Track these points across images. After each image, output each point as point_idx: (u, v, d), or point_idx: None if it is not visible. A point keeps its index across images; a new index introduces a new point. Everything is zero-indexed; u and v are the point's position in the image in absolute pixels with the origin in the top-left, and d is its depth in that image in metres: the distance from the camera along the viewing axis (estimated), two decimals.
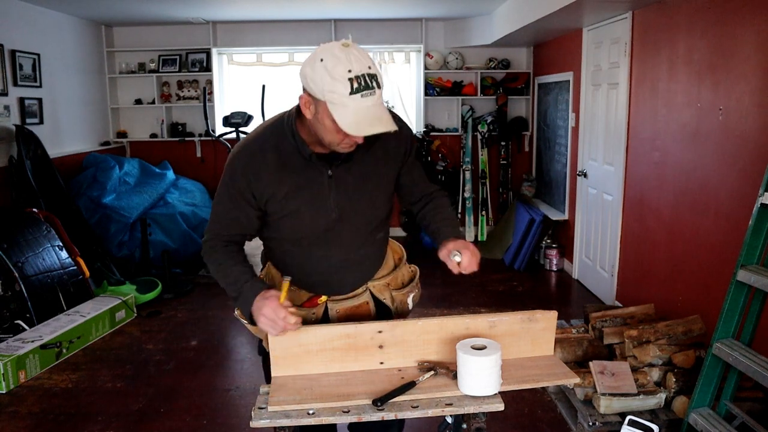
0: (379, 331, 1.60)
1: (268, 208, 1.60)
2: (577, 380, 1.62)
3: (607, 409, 2.59)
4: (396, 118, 1.58)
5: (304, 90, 1.44)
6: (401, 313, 1.84)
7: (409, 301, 1.86)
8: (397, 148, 1.65)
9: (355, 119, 1.36)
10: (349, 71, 1.34)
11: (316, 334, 1.58)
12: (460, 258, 1.57)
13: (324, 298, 1.75)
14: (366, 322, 1.63)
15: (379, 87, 1.38)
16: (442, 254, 1.60)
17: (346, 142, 1.46)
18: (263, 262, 1.84)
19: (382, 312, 1.82)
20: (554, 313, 1.69)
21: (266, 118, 1.84)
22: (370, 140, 1.50)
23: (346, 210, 1.61)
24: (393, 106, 6.53)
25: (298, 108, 1.53)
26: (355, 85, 1.34)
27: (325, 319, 1.76)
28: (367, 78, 1.35)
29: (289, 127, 1.54)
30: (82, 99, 5.67)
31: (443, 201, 1.78)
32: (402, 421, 2.03)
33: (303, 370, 1.59)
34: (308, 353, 1.58)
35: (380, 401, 1.45)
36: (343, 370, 1.60)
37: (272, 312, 1.48)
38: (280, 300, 1.52)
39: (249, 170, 1.54)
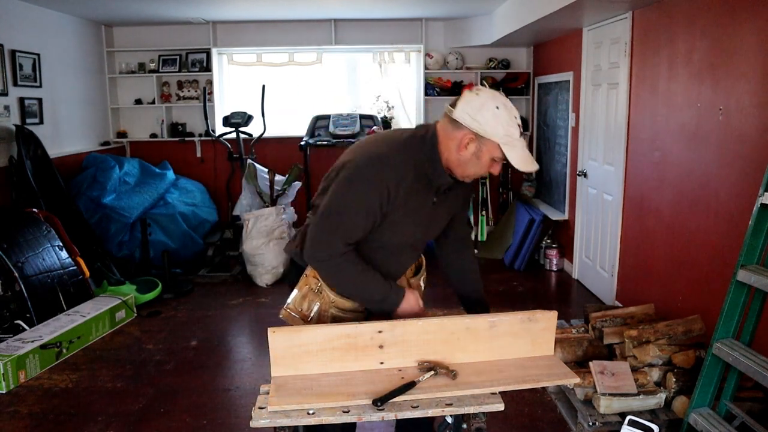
0: (379, 331, 1.60)
1: (385, 219, 1.69)
2: (577, 380, 1.62)
3: (607, 409, 2.59)
4: None
5: (460, 128, 1.60)
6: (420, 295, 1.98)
7: (421, 283, 2.02)
8: (471, 187, 1.90)
9: (522, 157, 1.62)
10: (516, 117, 1.60)
11: (316, 334, 1.58)
12: None
13: None
14: (366, 322, 1.63)
15: None
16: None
17: (479, 175, 1.71)
18: None
19: None
20: (554, 313, 1.69)
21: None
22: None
23: (428, 231, 1.83)
24: (393, 106, 6.54)
25: (435, 138, 1.66)
26: (521, 129, 1.62)
27: (367, 313, 1.85)
28: (522, 121, 1.65)
29: (430, 155, 1.66)
30: (82, 99, 5.67)
31: (471, 255, 2.00)
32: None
33: (303, 370, 1.59)
34: (308, 353, 1.58)
35: (380, 401, 1.45)
36: (343, 370, 1.60)
37: (417, 302, 1.76)
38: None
39: (392, 183, 1.62)
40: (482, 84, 6.27)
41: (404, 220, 1.70)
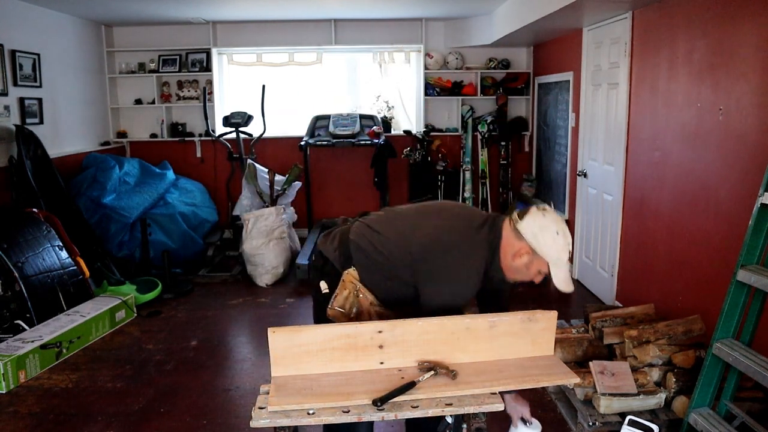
0: (379, 331, 1.60)
1: None
2: (577, 380, 1.62)
3: (607, 409, 2.59)
4: None
5: (521, 239, 1.73)
6: None
7: None
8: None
9: (565, 279, 1.74)
10: (568, 243, 1.74)
11: (316, 334, 1.58)
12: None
13: None
14: (366, 322, 1.63)
15: None
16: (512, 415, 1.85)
17: (521, 280, 1.82)
18: (344, 264, 1.91)
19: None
20: (554, 313, 1.70)
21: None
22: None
23: None
24: (393, 106, 6.54)
25: (500, 240, 1.80)
26: (570, 254, 1.75)
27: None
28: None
29: (494, 256, 1.79)
30: (82, 99, 5.67)
31: None
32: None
33: (303, 370, 1.59)
34: (308, 353, 1.58)
35: (380, 401, 1.45)
36: (344, 370, 1.60)
37: None
38: None
39: (474, 280, 1.79)
40: (483, 83, 6.28)
41: None
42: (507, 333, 1.66)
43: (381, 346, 1.61)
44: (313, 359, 1.59)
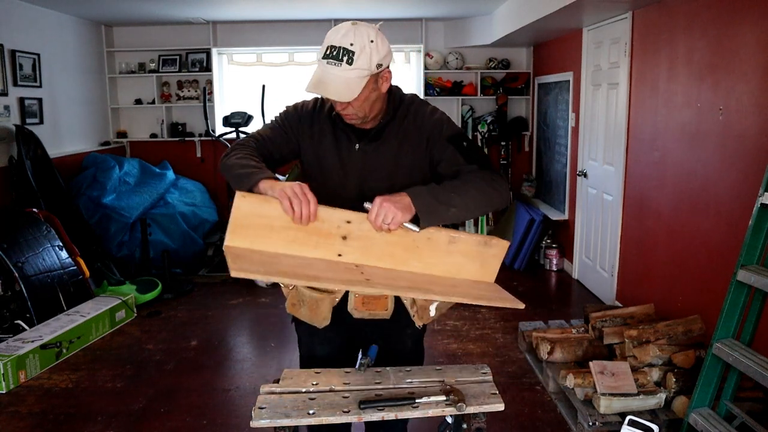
0: (348, 221, 1.56)
1: (303, 153, 1.74)
2: (522, 305, 1.60)
3: (607, 409, 2.59)
4: (421, 107, 1.74)
5: None
6: (421, 317, 1.76)
7: (432, 308, 1.75)
8: (420, 137, 1.69)
9: (312, 80, 1.52)
10: (330, 41, 1.50)
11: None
12: (369, 207, 1.51)
13: None
14: (338, 209, 1.56)
15: (349, 63, 1.48)
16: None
17: (340, 110, 1.60)
18: None
19: (401, 312, 1.77)
20: (506, 243, 1.70)
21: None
22: (394, 127, 1.68)
23: (366, 189, 1.66)
24: None
25: None
26: (326, 51, 1.50)
27: (344, 300, 1.72)
28: (341, 50, 1.48)
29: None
30: (82, 99, 5.67)
31: (470, 175, 1.60)
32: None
33: (261, 245, 1.52)
34: (270, 228, 1.51)
35: (363, 404, 1.44)
36: (301, 255, 1.55)
37: (297, 186, 1.50)
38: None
39: (302, 111, 1.72)
40: (483, 83, 6.28)
41: (325, 162, 1.70)
42: (462, 252, 1.66)
43: (345, 237, 1.56)
44: (273, 236, 1.52)
